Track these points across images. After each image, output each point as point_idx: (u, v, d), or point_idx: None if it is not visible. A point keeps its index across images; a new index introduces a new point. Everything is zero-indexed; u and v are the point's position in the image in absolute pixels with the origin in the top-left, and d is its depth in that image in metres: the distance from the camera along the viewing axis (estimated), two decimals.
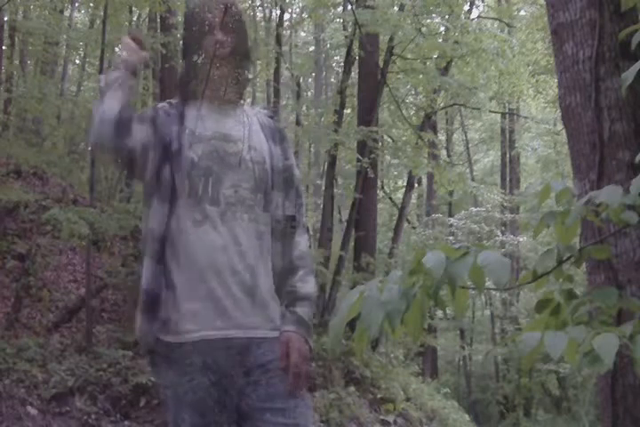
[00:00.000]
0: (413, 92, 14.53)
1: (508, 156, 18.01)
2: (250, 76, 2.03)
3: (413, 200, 16.37)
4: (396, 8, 10.36)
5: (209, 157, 1.84)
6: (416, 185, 14.73)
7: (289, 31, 15.55)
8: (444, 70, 12.05)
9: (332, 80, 17.58)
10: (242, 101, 2.01)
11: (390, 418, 7.72)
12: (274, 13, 14.48)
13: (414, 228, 15.96)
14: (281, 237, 1.89)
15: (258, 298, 1.82)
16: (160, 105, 1.97)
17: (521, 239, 12.94)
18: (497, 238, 12.83)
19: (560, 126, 13.80)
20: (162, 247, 1.82)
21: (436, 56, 11.74)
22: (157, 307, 1.81)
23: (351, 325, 1.39)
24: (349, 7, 10.17)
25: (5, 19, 9.96)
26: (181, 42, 2.03)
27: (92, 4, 11.44)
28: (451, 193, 15.08)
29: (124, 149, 1.78)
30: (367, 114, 10.17)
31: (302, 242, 1.94)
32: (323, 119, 12.50)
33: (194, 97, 1.94)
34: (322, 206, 10.45)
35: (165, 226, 1.82)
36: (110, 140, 1.75)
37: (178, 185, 1.82)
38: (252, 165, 1.87)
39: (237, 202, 1.83)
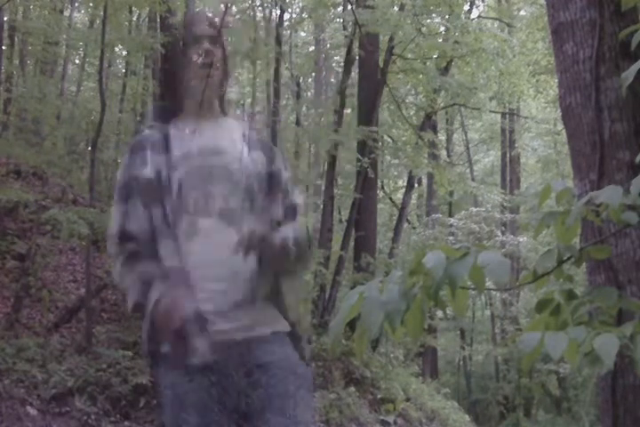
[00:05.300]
0: (413, 92, 14.52)
1: (508, 156, 18.00)
2: (233, 92, 2.06)
3: (413, 200, 16.36)
4: (396, 8, 10.35)
5: (197, 172, 1.87)
6: (416, 185, 14.72)
7: (289, 31, 15.53)
8: (444, 70, 12.05)
9: (332, 80, 17.57)
10: (226, 114, 2.04)
11: (390, 418, 7.72)
12: (274, 13, 14.48)
13: (414, 228, 15.96)
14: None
15: (253, 303, 1.85)
16: (144, 134, 1.99)
17: (521, 239, 12.93)
18: (497, 238, 12.82)
19: (560, 126, 13.80)
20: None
21: (435, 56, 11.74)
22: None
23: (351, 325, 1.39)
24: (349, 7, 10.17)
25: (5, 19, 9.94)
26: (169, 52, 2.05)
27: (91, 4, 11.42)
28: (451, 193, 15.07)
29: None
30: (367, 114, 10.17)
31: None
32: (323, 119, 12.50)
33: (177, 111, 1.98)
34: (322, 206, 10.44)
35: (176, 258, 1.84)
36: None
37: (170, 213, 1.84)
38: (238, 175, 1.91)
39: (228, 213, 1.86)
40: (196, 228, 1.84)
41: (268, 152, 2.01)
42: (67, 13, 12.94)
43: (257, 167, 1.95)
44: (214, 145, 1.93)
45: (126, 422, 5.23)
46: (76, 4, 13.08)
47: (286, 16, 14.90)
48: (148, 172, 1.88)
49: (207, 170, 1.89)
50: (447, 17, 11.16)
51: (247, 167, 1.93)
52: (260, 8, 14.65)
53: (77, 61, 14.65)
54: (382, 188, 15.57)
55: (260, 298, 1.87)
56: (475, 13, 14.57)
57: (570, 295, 1.56)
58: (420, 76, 11.67)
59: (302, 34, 18.55)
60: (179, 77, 1.98)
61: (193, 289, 1.79)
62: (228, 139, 1.97)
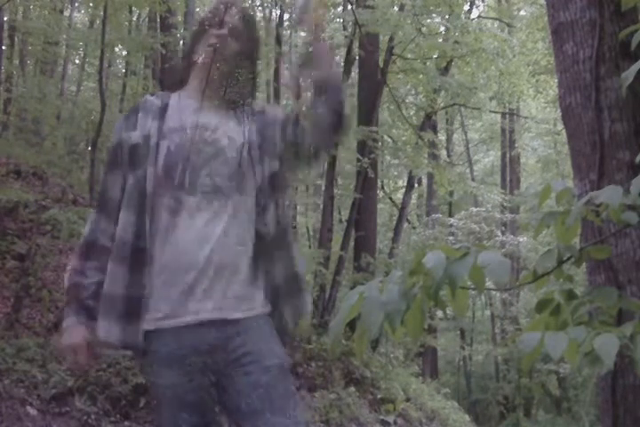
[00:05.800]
0: (413, 92, 14.53)
1: (508, 156, 18.02)
2: (248, 88, 2.00)
3: (413, 200, 16.37)
4: (396, 8, 10.36)
5: (186, 145, 1.84)
6: (416, 185, 14.73)
7: (289, 31, 15.53)
8: (444, 70, 12.06)
9: None
10: (232, 103, 1.98)
11: (390, 418, 7.71)
12: (274, 13, 14.48)
13: (414, 228, 15.96)
14: (266, 203, 1.89)
15: (236, 283, 1.82)
16: (144, 99, 1.99)
17: (521, 239, 12.93)
18: (497, 238, 12.81)
19: (560, 126, 13.80)
20: (134, 253, 1.80)
21: (436, 56, 11.74)
22: (139, 311, 1.79)
23: (351, 325, 1.39)
24: (349, 7, 10.17)
25: (5, 19, 9.95)
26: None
27: (91, 4, 11.44)
28: (451, 193, 15.07)
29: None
30: (367, 114, 10.17)
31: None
32: None
33: (178, 85, 1.98)
34: (322, 206, 10.44)
35: (137, 233, 1.81)
36: None
37: (149, 185, 1.81)
38: (228, 152, 1.88)
39: (214, 190, 1.83)
40: (181, 204, 1.81)
41: (258, 115, 1.98)
42: (67, 13, 12.95)
43: (251, 137, 1.92)
44: (210, 121, 1.90)
45: (126, 422, 5.23)
46: (76, 4, 13.09)
47: (286, 16, 14.91)
48: (135, 136, 1.86)
49: (196, 144, 1.85)
50: (447, 17, 11.16)
51: (239, 141, 1.90)
52: (260, 8, 14.65)
53: (77, 61, 14.67)
54: (382, 188, 15.58)
55: (243, 280, 1.83)
56: (475, 13, 14.62)
57: (570, 295, 1.56)
58: (420, 76, 11.68)
59: (302, 34, 18.55)
60: (188, 52, 1.98)
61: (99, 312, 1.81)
62: (226, 118, 1.94)
